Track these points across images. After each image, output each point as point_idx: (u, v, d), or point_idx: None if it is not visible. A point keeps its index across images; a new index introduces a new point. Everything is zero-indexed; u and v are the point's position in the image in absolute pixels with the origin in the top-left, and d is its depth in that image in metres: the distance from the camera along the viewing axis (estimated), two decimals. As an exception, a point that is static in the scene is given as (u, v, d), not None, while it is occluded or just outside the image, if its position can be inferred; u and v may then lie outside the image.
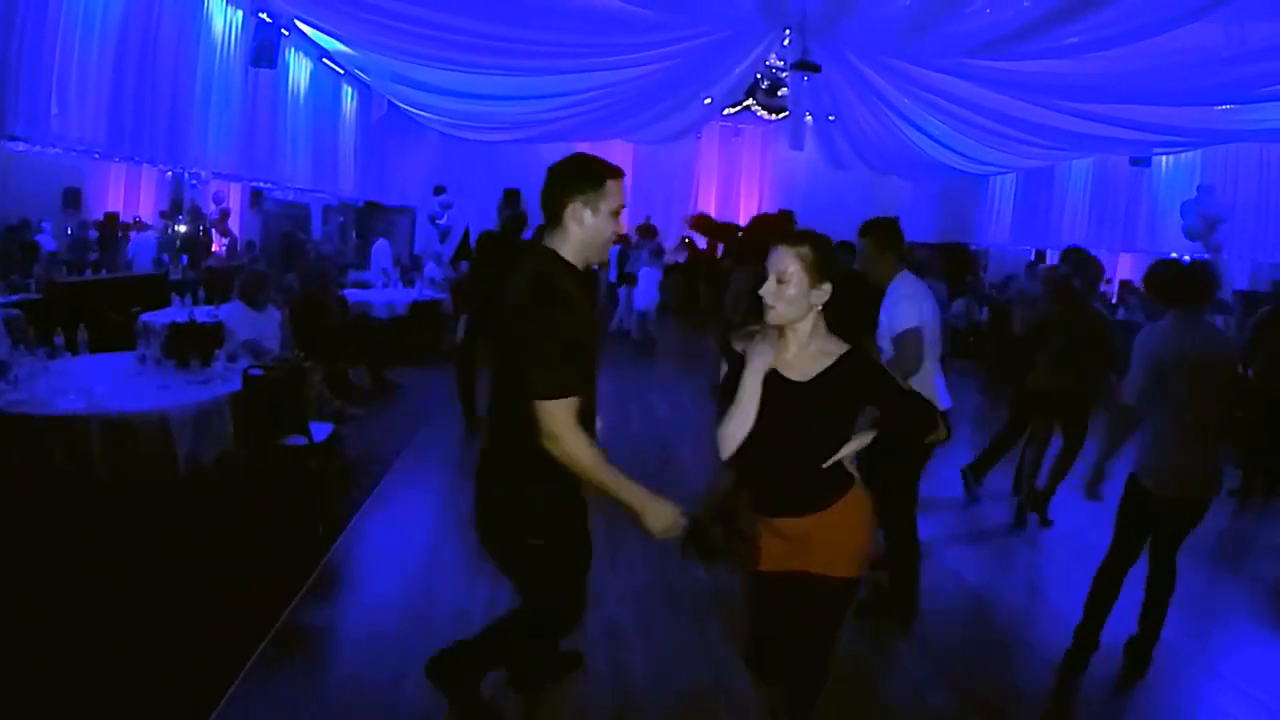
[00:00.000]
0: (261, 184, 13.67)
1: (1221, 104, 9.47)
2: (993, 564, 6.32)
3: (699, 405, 10.40)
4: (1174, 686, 4.66)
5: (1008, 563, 6.38)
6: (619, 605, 4.94)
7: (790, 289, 2.88)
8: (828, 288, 2.92)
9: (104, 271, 11.27)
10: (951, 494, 7.69)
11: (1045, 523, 7.06)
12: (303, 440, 5.89)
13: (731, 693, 4.20)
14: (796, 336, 2.96)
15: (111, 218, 13.30)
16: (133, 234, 13.15)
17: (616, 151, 19.54)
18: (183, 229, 13.09)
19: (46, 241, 11.50)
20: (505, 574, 3.42)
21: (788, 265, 2.89)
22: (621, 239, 18.55)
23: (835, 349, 2.93)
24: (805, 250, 2.90)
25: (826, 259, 2.93)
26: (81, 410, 5.04)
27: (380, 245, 15.01)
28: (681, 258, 19.15)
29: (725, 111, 16.28)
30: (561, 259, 2.97)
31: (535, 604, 3.34)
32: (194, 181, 12.75)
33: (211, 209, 13.78)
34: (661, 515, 2.93)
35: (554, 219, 2.98)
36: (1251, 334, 8.40)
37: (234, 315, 7.14)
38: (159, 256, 12.65)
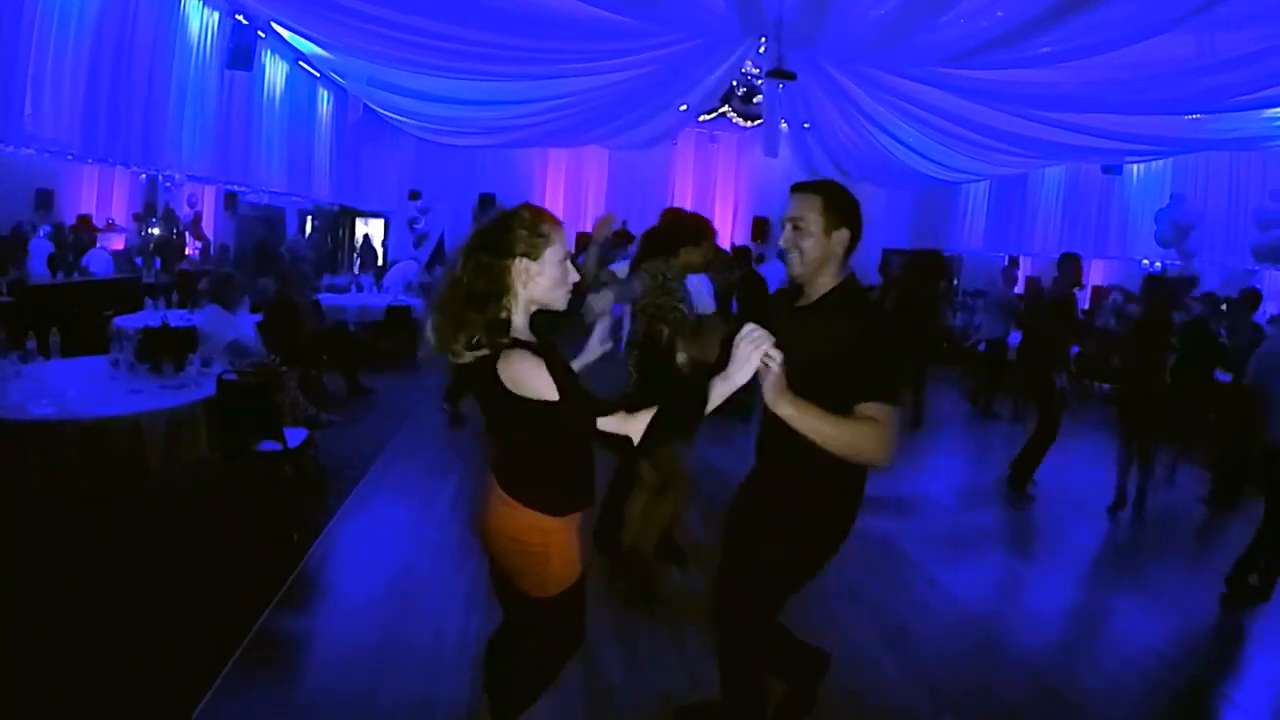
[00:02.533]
0: (236, 187, 13.59)
1: (1192, 113, 9.55)
2: (973, 570, 6.36)
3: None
4: (1154, 691, 4.71)
5: (988, 568, 6.42)
6: (594, 610, 4.94)
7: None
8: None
9: (76, 274, 11.18)
10: (931, 500, 7.76)
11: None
12: (277, 446, 5.87)
13: (709, 696, 4.21)
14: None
15: (84, 220, 13.20)
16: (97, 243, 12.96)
17: (592, 157, 19.57)
18: (156, 232, 13.01)
19: (37, 245, 11.38)
20: None
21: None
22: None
23: None
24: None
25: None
26: (54, 415, 5.01)
27: (405, 265, 14.94)
28: None
29: (701, 118, 16.31)
30: None
31: None
32: (168, 184, 12.68)
33: (185, 211, 13.70)
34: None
35: None
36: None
37: (210, 319, 7.11)
38: (133, 259, 12.57)
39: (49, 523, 5.14)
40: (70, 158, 9.65)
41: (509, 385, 2.62)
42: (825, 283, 3.05)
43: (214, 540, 5.51)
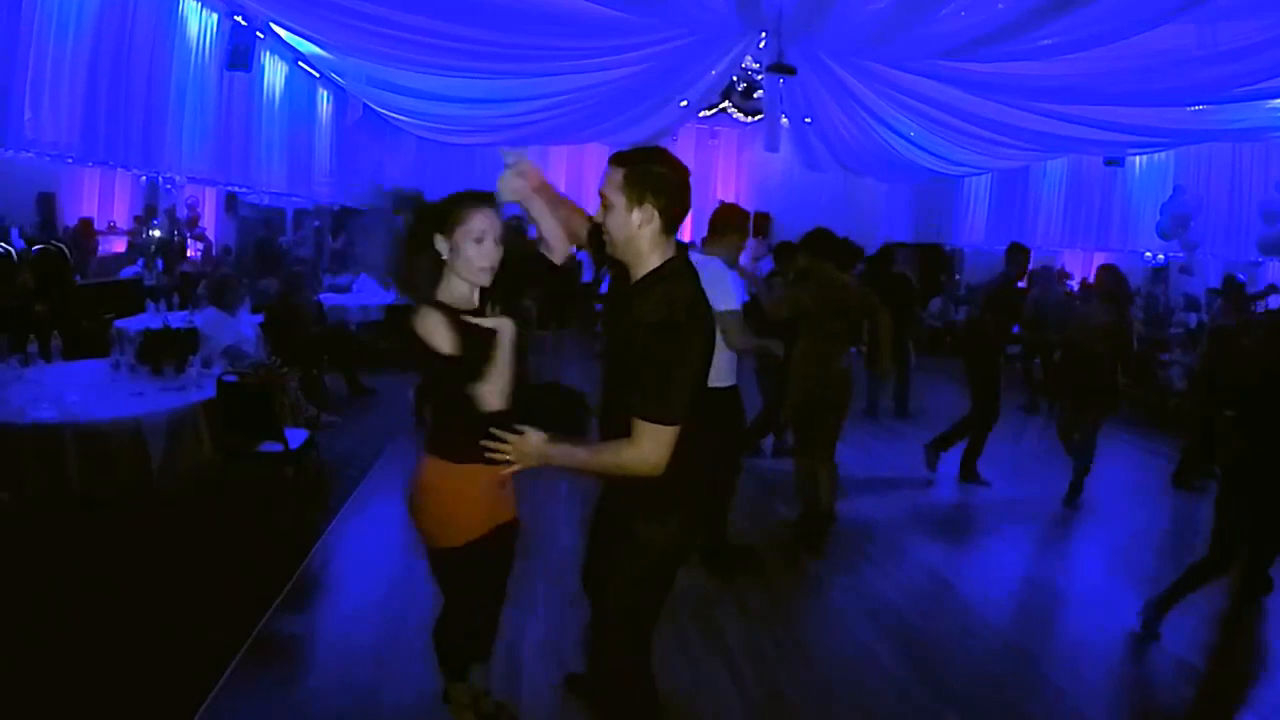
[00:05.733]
0: (237, 188, 13.58)
1: (1194, 104, 9.53)
2: (973, 562, 6.36)
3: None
4: (1151, 679, 4.70)
5: (988, 561, 6.41)
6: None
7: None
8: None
9: (78, 277, 11.15)
10: (930, 493, 7.76)
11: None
12: (278, 447, 5.86)
13: (711, 697, 4.20)
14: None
15: (86, 223, 13.17)
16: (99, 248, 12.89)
17: (593, 154, 19.55)
18: (157, 234, 12.97)
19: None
20: None
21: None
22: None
23: None
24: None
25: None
26: (54, 419, 5.01)
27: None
28: None
29: (701, 114, 16.28)
30: None
31: None
32: (169, 186, 12.66)
33: (184, 213, 13.68)
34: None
35: None
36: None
37: (210, 321, 7.10)
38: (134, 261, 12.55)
39: (50, 525, 5.13)
40: (70, 161, 9.63)
41: (421, 337, 2.91)
42: (646, 263, 2.85)
43: (216, 541, 5.51)
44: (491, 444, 2.85)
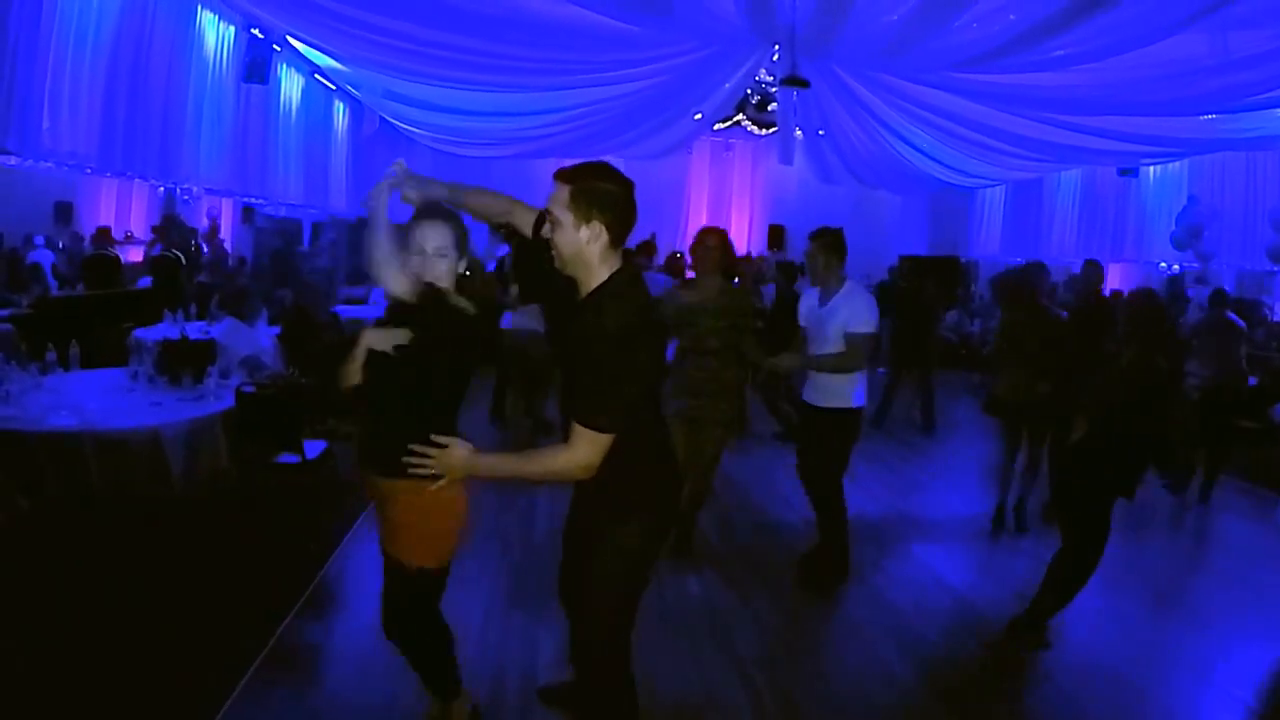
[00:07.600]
0: (253, 200, 13.65)
1: (1207, 114, 9.51)
2: (989, 576, 6.34)
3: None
4: (1155, 686, 4.68)
5: (1003, 574, 6.39)
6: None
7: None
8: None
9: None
10: (946, 505, 7.74)
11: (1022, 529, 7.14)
12: (295, 458, 5.88)
13: (723, 707, 4.20)
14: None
15: (103, 232, 13.28)
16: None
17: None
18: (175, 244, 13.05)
19: (42, 256, 11.42)
20: None
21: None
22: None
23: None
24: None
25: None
26: (73, 427, 5.04)
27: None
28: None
29: (716, 126, 16.33)
30: None
31: None
32: (185, 197, 12.74)
33: (203, 224, 13.77)
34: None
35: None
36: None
37: (228, 332, 7.14)
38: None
39: (69, 533, 5.16)
40: (88, 171, 9.70)
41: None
42: (595, 277, 2.89)
43: (233, 551, 5.53)
44: (415, 458, 2.92)
